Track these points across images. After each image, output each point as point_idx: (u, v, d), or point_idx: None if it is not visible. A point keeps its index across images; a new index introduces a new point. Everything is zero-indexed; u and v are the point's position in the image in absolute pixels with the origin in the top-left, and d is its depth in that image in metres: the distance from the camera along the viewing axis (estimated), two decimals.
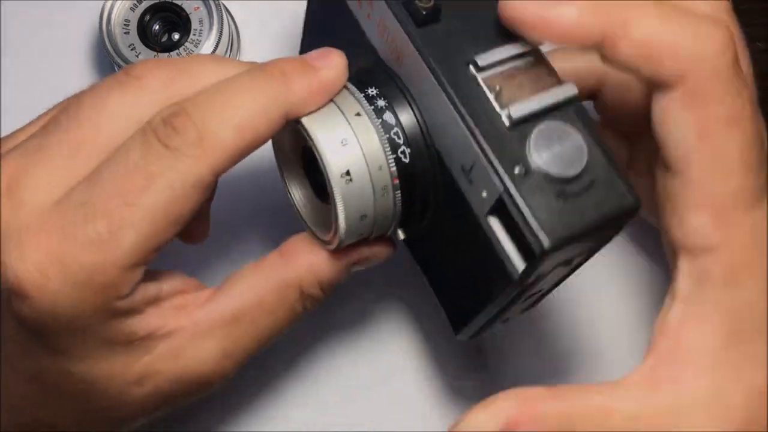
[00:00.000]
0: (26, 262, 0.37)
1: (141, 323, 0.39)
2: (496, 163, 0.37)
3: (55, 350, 0.39)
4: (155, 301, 0.40)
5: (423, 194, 0.41)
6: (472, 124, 0.37)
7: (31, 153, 0.39)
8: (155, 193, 0.37)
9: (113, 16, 0.53)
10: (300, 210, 0.44)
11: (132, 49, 0.52)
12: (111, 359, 0.39)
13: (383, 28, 0.40)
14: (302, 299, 0.42)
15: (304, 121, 0.40)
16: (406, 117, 0.40)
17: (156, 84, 0.39)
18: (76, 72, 0.56)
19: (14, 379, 0.40)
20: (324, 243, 0.42)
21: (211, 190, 0.39)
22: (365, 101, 0.40)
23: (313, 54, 0.41)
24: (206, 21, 0.53)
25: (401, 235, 0.44)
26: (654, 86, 0.38)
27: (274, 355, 0.50)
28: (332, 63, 0.40)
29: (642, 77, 0.38)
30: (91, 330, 0.38)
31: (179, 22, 0.53)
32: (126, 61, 0.52)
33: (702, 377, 0.38)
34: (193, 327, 0.40)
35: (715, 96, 0.37)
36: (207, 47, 0.52)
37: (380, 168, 0.40)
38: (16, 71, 0.56)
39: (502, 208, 0.37)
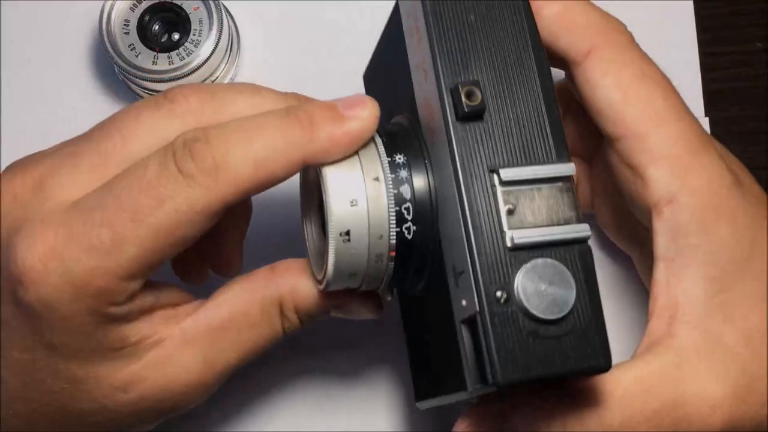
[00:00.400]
0: (33, 252, 0.38)
1: (133, 330, 0.40)
2: (480, 284, 0.36)
3: (47, 344, 0.39)
4: (149, 310, 0.41)
5: (417, 269, 0.41)
6: (471, 237, 0.36)
7: (63, 156, 0.41)
8: (162, 215, 0.38)
9: (113, 16, 0.53)
10: (307, 241, 0.44)
11: (132, 49, 0.52)
12: (100, 362, 0.40)
13: (428, 104, 0.39)
14: (282, 318, 0.42)
15: (323, 169, 0.40)
16: (422, 195, 0.40)
17: (188, 107, 0.40)
18: (75, 72, 0.56)
19: (2, 367, 0.41)
20: (317, 279, 0.42)
21: (219, 217, 0.39)
22: (388, 168, 0.40)
23: (347, 101, 0.40)
24: (206, 21, 0.53)
25: (388, 295, 0.44)
26: (573, 62, 0.42)
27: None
28: (362, 115, 0.40)
29: (558, 52, 0.42)
30: (84, 330, 0.39)
31: (179, 22, 0.53)
32: (126, 61, 0.52)
33: (695, 328, 0.40)
34: (181, 335, 0.41)
35: (625, 60, 0.42)
36: (207, 47, 0.52)
37: (380, 237, 0.40)
38: (16, 71, 0.56)
39: (473, 326, 0.36)
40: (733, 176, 0.41)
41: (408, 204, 0.40)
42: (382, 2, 0.45)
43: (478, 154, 0.37)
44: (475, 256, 0.36)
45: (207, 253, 0.47)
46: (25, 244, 0.38)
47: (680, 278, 0.40)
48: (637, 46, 0.43)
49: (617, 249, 0.51)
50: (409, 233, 0.40)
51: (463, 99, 0.37)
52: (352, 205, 0.39)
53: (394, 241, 0.40)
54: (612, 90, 0.42)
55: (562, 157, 0.38)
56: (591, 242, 0.51)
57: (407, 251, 0.40)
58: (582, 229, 0.37)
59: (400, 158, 0.40)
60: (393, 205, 0.39)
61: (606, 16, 0.43)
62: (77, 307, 0.38)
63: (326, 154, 0.39)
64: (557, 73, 0.45)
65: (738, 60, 0.56)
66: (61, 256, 0.38)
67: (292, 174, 0.40)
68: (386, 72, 0.46)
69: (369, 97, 0.40)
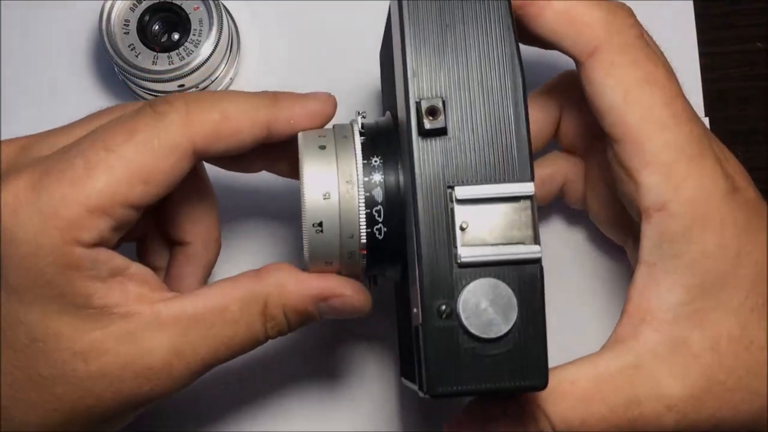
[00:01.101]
0: (8, 191, 0.39)
1: (99, 291, 0.39)
2: (424, 297, 0.36)
3: (10, 287, 0.39)
4: (119, 275, 0.40)
5: (391, 263, 0.41)
6: (422, 250, 0.37)
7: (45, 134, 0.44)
8: (134, 145, 0.40)
9: (113, 16, 0.53)
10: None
11: (132, 49, 0.52)
12: (61, 318, 0.39)
13: (402, 110, 0.40)
14: (264, 318, 0.42)
15: (302, 162, 0.41)
16: (393, 200, 0.40)
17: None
18: (76, 72, 0.56)
19: None
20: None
21: (188, 163, 0.41)
22: (362, 171, 0.40)
23: (308, 92, 0.44)
24: (206, 21, 0.53)
25: (372, 285, 0.44)
26: (577, 61, 0.42)
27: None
28: (321, 98, 0.43)
29: (564, 50, 0.42)
30: (46, 272, 0.39)
31: (179, 22, 0.53)
32: (126, 61, 0.52)
33: (659, 331, 0.40)
34: (151, 316, 0.40)
35: (630, 61, 0.41)
36: (207, 47, 0.52)
37: (351, 236, 0.41)
38: (17, 71, 0.56)
39: (417, 336, 0.37)
40: (729, 182, 0.41)
41: (379, 207, 0.40)
42: (383, 2, 0.45)
43: (437, 170, 0.38)
44: (423, 268, 0.37)
45: (174, 239, 0.46)
46: (4, 185, 0.39)
47: (657, 283, 0.41)
48: (644, 43, 0.42)
49: (611, 244, 0.51)
50: (380, 234, 0.40)
51: (425, 117, 0.38)
52: (324, 198, 0.40)
53: (365, 241, 0.40)
54: (613, 92, 0.41)
55: (525, 176, 0.38)
56: (584, 237, 0.52)
57: (378, 250, 0.41)
58: (534, 250, 0.37)
59: (376, 161, 0.41)
60: (364, 208, 0.40)
61: (613, 10, 0.42)
62: (42, 242, 0.38)
63: (287, 122, 0.42)
64: (564, 63, 0.45)
65: (738, 60, 0.56)
66: (35, 187, 0.39)
67: (256, 136, 0.42)
68: (386, 61, 0.46)
69: (329, 94, 0.44)
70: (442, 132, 0.38)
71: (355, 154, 0.41)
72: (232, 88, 0.55)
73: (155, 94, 0.54)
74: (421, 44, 0.39)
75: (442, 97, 0.38)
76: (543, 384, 0.37)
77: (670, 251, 0.40)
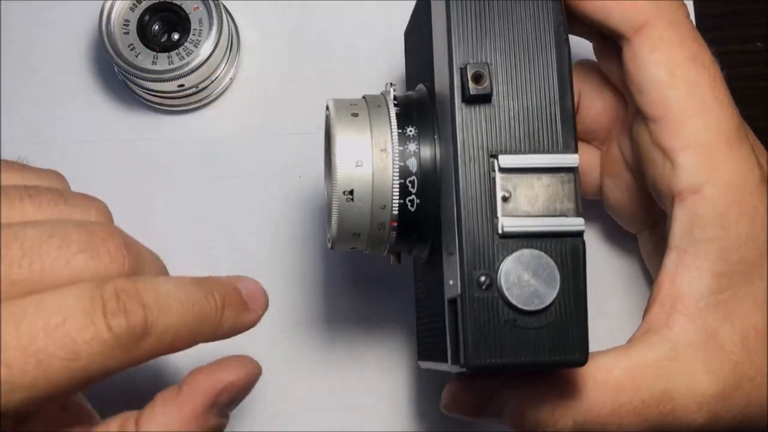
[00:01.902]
0: None
1: None
2: (464, 267, 0.36)
3: None
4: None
5: (419, 240, 0.41)
6: (462, 219, 0.36)
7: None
8: (71, 368, 0.33)
9: (113, 16, 0.53)
10: (327, 200, 0.44)
11: (131, 49, 0.52)
12: None
13: (442, 79, 0.39)
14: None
15: (334, 131, 0.40)
16: (428, 171, 0.40)
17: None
18: (75, 72, 0.56)
19: None
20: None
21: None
22: (397, 140, 0.40)
23: (248, 290, 0.39)
24: (206, 21, 0.53)
25: (394, 261, 0.44)
26: (623, 37, 0.41)
27: None
28: (259, 313, 0.39)
29: (610, 27, 0.42)
30: None
31: (179, 22, 0.53)
32: (126, 61, 0.52)
33: (693, 321, 0.40)
34: None
35: (677, 39, 0.41)
36: (207, 47, 0.52)
37: (383, 207, 0.40)
38: (16, 71, 0.56)
39: (455, 307, 0.37)
40: (761, 172, 0.41)
41: (413, 177, 0.40)
42: (382, 2, 0.45)
43: (480, 137, 0.37)
44: (463, 238, 0.36)
45: None
46: None
47: (689, 270, 0.40)
48: (691, 23, 0.42)
49: (623, 242, 0.51)
50: (412, 206, 0.40)
51: (470, 82, 0.37)
52: (357, 166, 0.39)
53: (396, 213, 0.40)
54: (659, 68, 0.41)
55: (569, 147, 0.37)
56: (596, 234, 0.52)
57: (409, 223, 0.40)
58: (577, 223, 0.37)
59: (411, 131, 0.40)
60: (398, 178, 0.40)
61: None
62: None
63: (223, 336, 0.38)
64: (579, 51, 0.45)
65: (738, 60, 0.56)
66: None
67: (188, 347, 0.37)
68: (417, 36, 0.45)
69: (264, 292, 0.39)
70: (486, 99, 0.37)
71: (390, 122, 0.40)
72: (232, 87, 0.55)
73: (155, 94, 0.54)
74: (466, 11, 0.38)
75: (487, 63, 0.37)
76: (583, 360, 0.36)
77: (703, 236, 0.40)
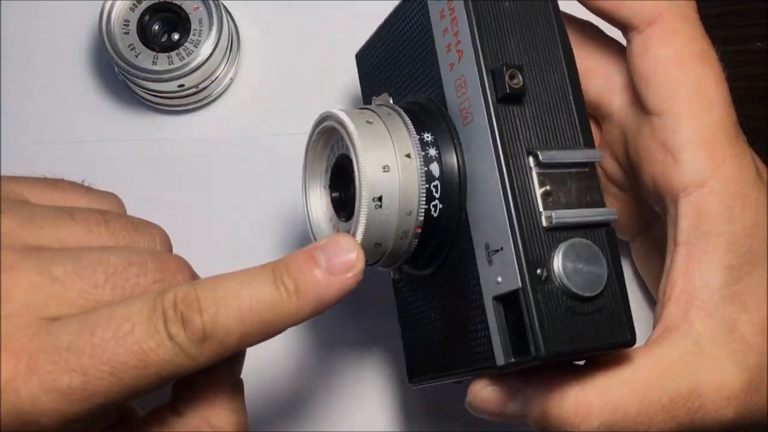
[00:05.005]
0: (7, 368, 0.34)
1: None
2: (523, 260, 0.37)
3: None
4: None
5: (436, 247, 0.41)
6: (513, 215, 0.37)
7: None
8: (143, 376, 0.35)
9: (113, 16, 0.53)
10: (312, 221, 0.43)
11: (132, 49, 0.52)
12: None
13: (463, 85, 0.40)
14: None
15: (355, 139, 0.39)
16: (450, 175, 0.40)
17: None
18: (76, 72, 0.56)
19: None
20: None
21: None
22: (419, 145, 0.40)
23: (332, 250, 0.37)
24: (206, 21, 0.53)
25: (396, 274, 0.44)
26: (633, 29, 0.42)
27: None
28: (355, 269, 0.37)
29: (622, 17, 0.42)
30: None
31: (179, 22, 0.53)
32: (126, 61, 0.52)
33: (712, 316, 0.40)
34: None
35: (688, 34, 0.41)
36: (207, 47, 0.52)
37: (409, 213, 0.40)
38: (16, 71, 0.56)
39: (512, 301, 0.37)
40: (755, 167, 0.41)
41: (437, 182, 0.40)
42: (382, 2, 0.45)
43: (516, 136, 0.38)
44: (517, 234, 0.37)
45: None
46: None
47: (700, 264, 0.40)
48: (699, 20, 0.42)
49: None
50: (435, 211, 0.40)
51: (507, 80, 0.38)
52: (384, 171, 0.39)
53: (422, 218, 0.40)
54: (669, 62, 0.41)
55: (589, 143, 0.39)
56: None
57: (431, 229, 0.40)
58: (609, 212, 0.38)
59: (428, 137, 0.40)
60: (424, 182, 0.40)
61: None
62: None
63: (314, 313, 0.37)
64: None
65: (738, 60, 0.56)
66: (18, 391, 0.34)
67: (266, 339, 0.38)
68: (393, 52, 0.45)
69: (355, 243, 0.38)
70: (519, 97, 0.38)
71: (407, 127, 0.40)
72: (232, 87, 0.56)
73: (155, 94, 0.54)
74: (484, 15, 0.39)
75: (519, 64, 0.39)
76: (634, 340, 0.38)
77: (710, 230, 0.40)
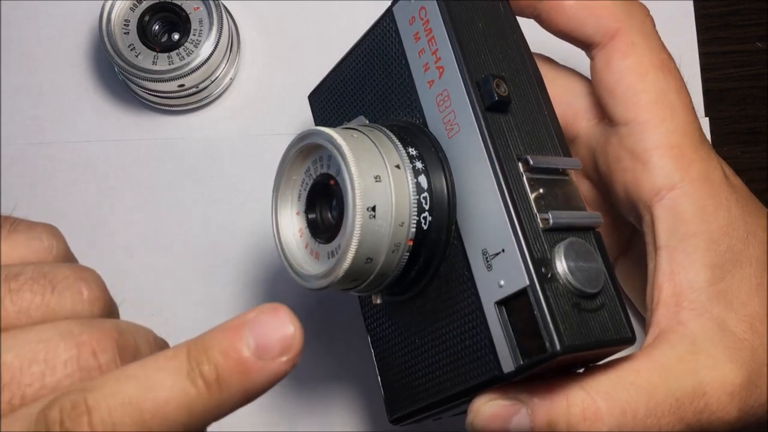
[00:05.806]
0: None
1: None
2: (528, 257, 0.37)
3: None
4: None
5: (425, 263, 0.41)
6: (514, 216, 0.38)
7: None
8: None
9: (113, 16, 0.53)
10: (283, 245, 0.42)
11: (132, 49, 0.52)
12: None
13: (445, 99, 0.40)
14: None
15: (344, 151, 0.38)
16: (438, 186, 0.40)
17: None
18: (76, 72, 0.56)
19: None
20: (304, 279, 0.40)
21: None
22: (406, 158, 0.40)
23: (267, 335, 0.30)
24: (206, 21, 0.53)
25: (378, 300, 0.42)
26: (596, 45, 0.43)
27: None
28: (293, 353, 0.31)
29: (584, 35, 0.43)
30: None
31: (179, 22, 0.53)
32: (126, 61, 0.52)
33: (702, 315, 0.40)
34: None
35: (647, 46, 0.43)
36: (207, 47, 0.52)
37: (402, 224, 0.39)
38: (16, 71, 0.56)
39: (519, 302, 0.37)
40: (722, 169, 0.43)
41: (426, 194, 0.40)
42: (382, 2, 0.45)
43: (506, 142, 0.39)
44: (519, 232, 0.37)
45: None
46: None
47: (683, 266, 0.41)
48: (657, 33, 0.44)
49: None
50: (425, 223, 0.40)
51: (494, 89, 0.39)
52: (376, 181, 0.39)
53: (414, 229, 0.40)
54: (631, 73, 0.42)
55: (566, 152, 0.40)
56: None
57: (421, 243, 0.40)
58: (595, 216, 0.39)
59: (413, 151, 0.40)
60: (415, 193, 0.40)
61: (629, 1, 0.44)
62: None
63: (242, 403, 0.31)
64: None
65: (738, 60, 0.56)
66: None
67: None
68: (358, 82, 0.46)
69: (292, 316, 0.31)
70: (506, 105, 0.39)
71: (392, 141, 0.40)
72: (232, 87, 0.56)
73: (155, 94, 0.54)
74: (462, 30, 0.40)
75: (502, 74, 0.40)
76: (634, 337, 0.38)
77: (688, 230, 0.41)
